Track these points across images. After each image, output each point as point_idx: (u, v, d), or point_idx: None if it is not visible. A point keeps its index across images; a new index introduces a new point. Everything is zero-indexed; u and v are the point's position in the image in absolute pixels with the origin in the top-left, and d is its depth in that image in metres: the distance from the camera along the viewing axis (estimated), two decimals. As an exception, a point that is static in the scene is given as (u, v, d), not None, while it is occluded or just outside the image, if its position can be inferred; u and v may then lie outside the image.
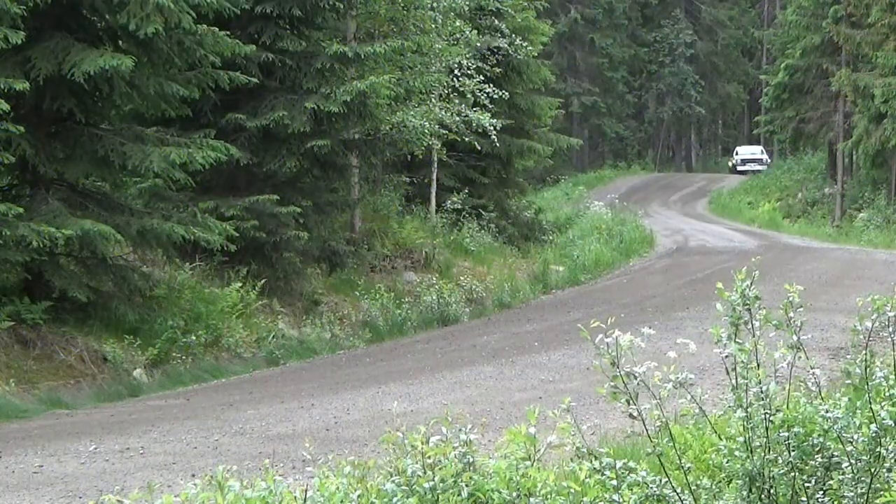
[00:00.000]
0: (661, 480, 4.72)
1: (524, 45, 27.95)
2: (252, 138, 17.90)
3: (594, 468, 4.59)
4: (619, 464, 4.65)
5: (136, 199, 17.10)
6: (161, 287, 15.92)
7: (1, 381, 12.88)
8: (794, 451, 4.86)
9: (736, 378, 4.88)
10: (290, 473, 8.11)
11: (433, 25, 22.30)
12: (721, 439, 5.21)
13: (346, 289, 19.63)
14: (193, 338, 15.10)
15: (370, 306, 19.01)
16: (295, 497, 4.40)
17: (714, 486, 5.03)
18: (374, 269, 21.37)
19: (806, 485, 4.89)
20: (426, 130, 21.95)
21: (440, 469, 4.51)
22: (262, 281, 17.15)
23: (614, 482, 4.56)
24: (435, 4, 22.44)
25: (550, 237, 30.29)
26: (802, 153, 52.71)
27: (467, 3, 24.67)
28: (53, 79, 14.00)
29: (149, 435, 10.67)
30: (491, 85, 25.55)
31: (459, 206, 26.26)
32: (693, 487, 4.87)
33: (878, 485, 4.84)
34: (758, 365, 4.89)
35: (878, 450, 4.84)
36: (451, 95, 24.38)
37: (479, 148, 25.92)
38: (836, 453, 4.92)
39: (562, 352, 15.05)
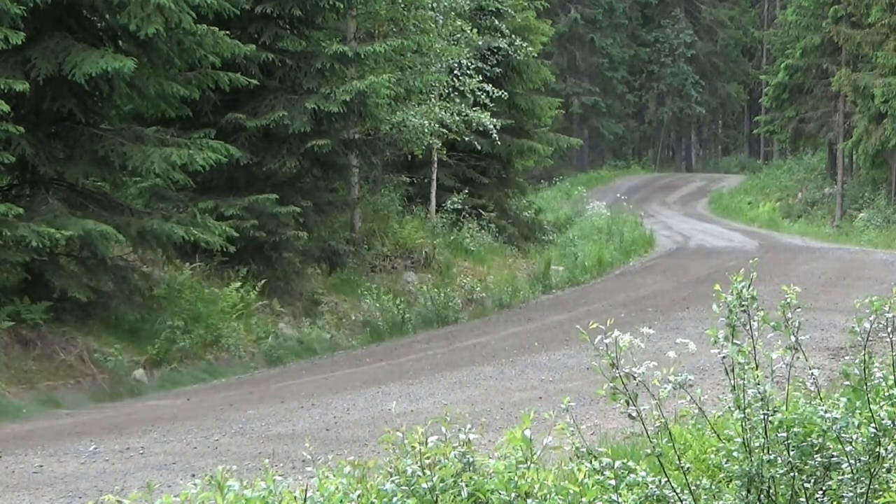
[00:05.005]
0: (660, 481, 4.72)
1: (524, 45, 27.93)
2: (252, 138, 17.90)
3: (593, 468, 4.59)
4: (617, 464, 4.65)
5: (136, 199, 17.12)
6: (161, 287, 15.93)
7: (1, 381, 12.88)
8: (793, 451, 4.87)
9: (734, 379, 4.88)
10: (290, 473, 8.10)
11: (433, 25, 22.30)
12: (720, 440, 5.22)
13: (346, 289, 19.64)
14: (193, 338, 15.10)
15: (370, 306, 19.01)
16: (295, 497, 4.40)
17: (713, 487, 5.04)
18: (374, 269, 21.36)
19: (805, 485, 4.89)
20: (426, 130, 21.95)
21: (440, 469, 4.51)
22: (262, 281, 17.15)
23: (613, 482, 4.56)
24: (435, 4, 22.43)
25: (550, 237, 30.28)
26: (802, 153, 52.68)
27: (468, 3, 24.66)
28: (53, 79, 14.00)
29: (149, 435, 10.68)
30: (490, 85, 25.54)
31: (459, 206, 26.24)
32: (693, 488, 4.88)
33: (878, 485, 4.84)
34: (756, 366, 4.90)
35: (877, 450, 4.85)
36: (452, 95, 24.38)
37: (479, 148, 25.92)
38: (835, 454, 4.92)
39: (562, 352, 15.05)
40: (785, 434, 4.86)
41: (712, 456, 5.55)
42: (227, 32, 15.39)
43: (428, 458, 4.52)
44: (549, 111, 30.80)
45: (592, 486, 4.45)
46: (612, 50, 64.20)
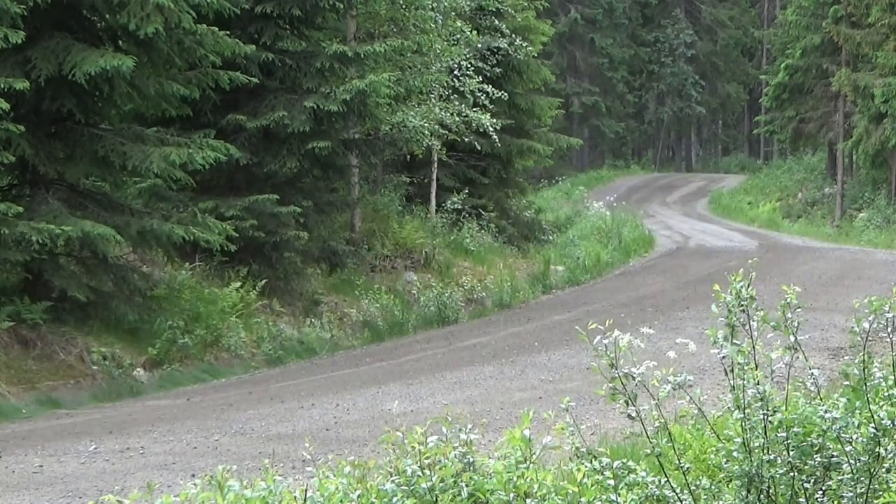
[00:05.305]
0: (660, 481, 4.72)
1: (524, 45, 27.93)
2: (252, 138, 17.90)
3: (593, 468, 4.59)
4: (616, 464, 4.65)
5: (136, 199, 17.11)
6: (161, 287, 15.93)
7: (1, 381, 12.88)
8: (792, 451, 4.87)
9: (733, 379, 4.88)
10: (290, 473, 8.11)
11: (433, 25, 22.30)
12: (720, 440, 5.22)
13: (346, 289, 19.64)
14: (193, 338, 15.10)
15: (370, 306, 19.01)
16: (295, 497, 4.40)
17: (713, 487, 5.04)
18: (374, 269, 21.37)
19: (805, 485, 4.89)
20: (426, 130, 21.95)
21: (440, 469, 4.51)
22: (262, 281, 17.15)
23: (612, 482, 4.56)
24: (435, 5, 22.44)
25: (550, 237, 30.28)
26: (802, 153, 52.69)
27: (468, 3, 24.65)
28: (53, 79, 14.00)
29: (149, 435, 10.68)
30: (490, 85, 25.55)
31: (459, 206, 26.25)
32: (692, 488, 4.88)
33: (878, 485, 4.84)
34: (756, 366, 4.90)
35: (877, 450, 4.85)
36: (452, 97, 24.38)
37: (479, 148, 25.91)
38: (835, 454, 4.92)
39: (562, 352, 15.06)
40: (785, 434, 4.86)
41: (712, 456, 5.55)
42: (227, 32, 15.39)
43: (428, 458, 4.53)
44: (549, 111, 30.80)
45: (591, 486, 4.45)
46: (612, 50, 64.21)
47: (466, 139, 25.04)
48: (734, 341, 4.88)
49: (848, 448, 4.87)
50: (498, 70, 27.14)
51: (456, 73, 24.50)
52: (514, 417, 10.36)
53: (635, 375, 4.62)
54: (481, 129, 24.87)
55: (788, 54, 44.59)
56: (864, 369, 5.13)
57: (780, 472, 4.84)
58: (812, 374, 5.09)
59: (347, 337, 18.01)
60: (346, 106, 17.85)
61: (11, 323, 13.50)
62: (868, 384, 5.11)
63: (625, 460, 4.77)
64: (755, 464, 4.80)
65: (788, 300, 4.99)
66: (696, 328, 15.24)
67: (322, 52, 18.37)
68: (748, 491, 4.85)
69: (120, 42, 14.80)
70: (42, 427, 11.57)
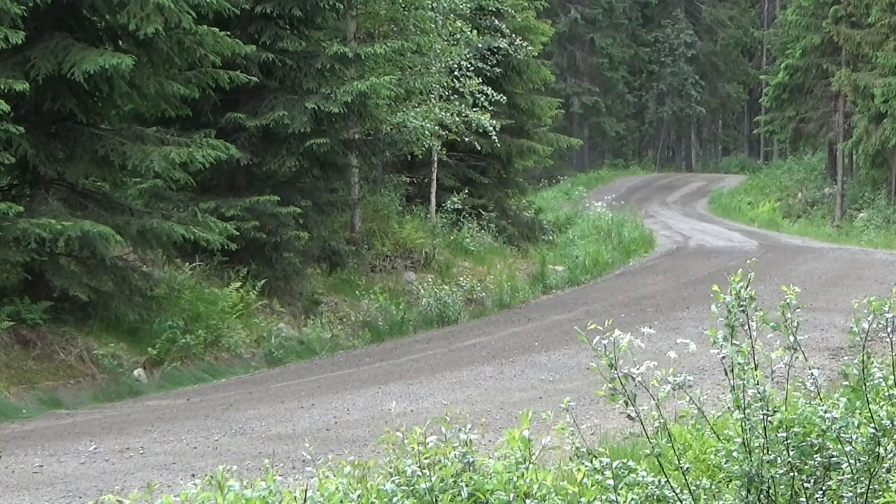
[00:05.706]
0: (660, 481, 4.72)
1: (524, 45, 27.92)
2: (252, 138, 17.90)
3: (593, 468, 4.59)
4: (616, 464, 4.65)
5: (136, 199, 17.11)
6: (161, 287, 15.93)
7: (1, 381, 12.88)
8: (792, 451, 4.87)
9: (733, 379, 4.88)
10: (290, 473, 8.11)
11: (433, 26, 22.29)
12: (720, 440, 5.22)
13: (346, 289, 19.64)
14: (193, 338, 15.10)
15: (370, 306, 19.02)
16: (295, 497, 4.41)
17: (713, 487, 5.04)
18: (374, 269, 21.37)
19: (805, 485, 4.90)
20: (426, 131, 21.94)
21: (440, 469, 4.52)
22: (262, 281, 17.15)
23: (611, 482, 4.56)
24: (435, 5, 22.43)
25: (550, 237, 30.27)
26: (802, 153, 52.70)
27: (468, 4, 24.64)
28: (53, 79, 14.00)
29: (149, 435, 10.68)
30: (490, 86, 25.55)
31: (459, 206, 26.25)
32: (692, 488, 4.88)
33: (877, 485, 4.84)
34: (755, 366, 4.90)
35: (877, 450, 4.85)
36: (452, 98, 24.37)
37: (479, 148, 25.91)
38: (835, 454, 4.92)
39: (562, 352, 15.06)
40: (785, 434, 4.86)
41: (712, 456, 5.55)
42: (227, 32, 15.39)
43: (427, 458, 4.53)
44: (549, 111, 30.79)
45: (591, 486, 4.45)
46: (612, 50, 64.20)
47: (466, 139, 25.03)
48: (734, 341, 4.89)
49: (848, 448, 4.87)
50: (498, 70, 27.13)
51: (456, 73, 24.49)
52: (514, 417, 10.36)
53: (635, 376, 4.63)
54: (481, 130, 24.87)
55: (788, 54, 44.61)
56: (863, 369, 5.13)
57: (780, 472, 4.84)
58: (812, 374, 5.10)
59: (347, 337, 18.00)
60: (347, 107, 17.85)
61: (11, 323, 13.50)
62: (868, 384, 5.11)
63: (625, 460, 4.78)
64: (755, 464, 4.81)
65: (788, 300, 4.99)
66: (696, 328, 15.25)
67: (322, 53, 18.37)
68: (748, 491, 4.85)
69: (120, 42, 14.80)
70: (42, 427, 11.58)
